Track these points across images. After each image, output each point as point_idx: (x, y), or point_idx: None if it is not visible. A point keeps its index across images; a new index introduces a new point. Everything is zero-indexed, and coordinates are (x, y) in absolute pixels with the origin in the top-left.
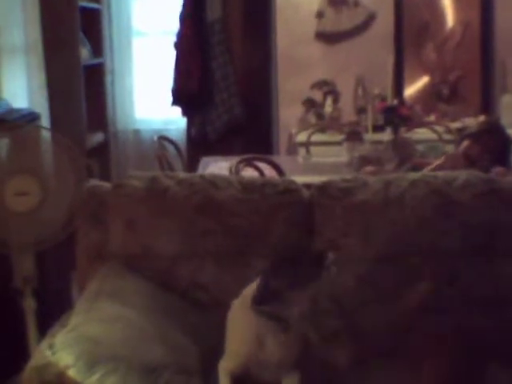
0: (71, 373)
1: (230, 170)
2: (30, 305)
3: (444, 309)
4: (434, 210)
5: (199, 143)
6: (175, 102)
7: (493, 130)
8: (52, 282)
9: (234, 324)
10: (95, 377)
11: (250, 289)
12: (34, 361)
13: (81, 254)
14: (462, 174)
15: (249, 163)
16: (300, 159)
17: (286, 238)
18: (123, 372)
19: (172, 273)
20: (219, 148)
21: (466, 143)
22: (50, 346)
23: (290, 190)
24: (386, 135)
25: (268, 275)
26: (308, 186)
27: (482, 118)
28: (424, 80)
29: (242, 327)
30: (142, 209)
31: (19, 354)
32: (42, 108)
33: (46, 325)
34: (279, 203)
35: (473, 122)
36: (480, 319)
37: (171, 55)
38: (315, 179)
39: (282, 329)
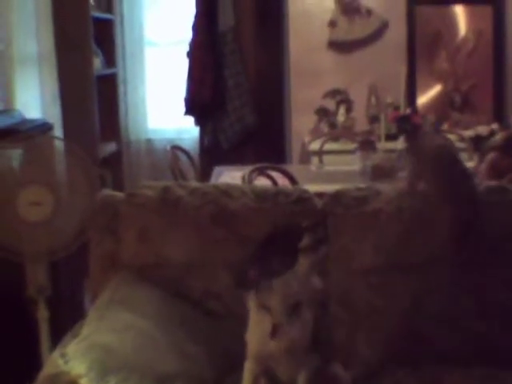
0: (83, 382)
1: (243, 179)
2: (43, 314)
3: (458, 319)
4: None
5: (212, 152)
6: (188, 111)
7: None
8: (65, 291)
9: (249, 324)
10: None
11: None
12: (47, 370)
13: (94, 264)
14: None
15: (261, 172)
16: (313, 168)
17: None
18: (135, 381)
19: (185, 282)
20: (232, 157)
21: (492, 155)
22: (63, 355)
23: (303, 198)
24: (399, 144)
25: (245, 264)
26: (321, 194)
27: (495, 126)
28: (437, 89)
29: (252, 325)
30: (154, 218)
31: (32, 362)
32: (54, 118)
33: (58, 334)
34: (292, 212)
35: (485, 130)
36: (496, 329)
37: (183, 65)
38: (328, 188)
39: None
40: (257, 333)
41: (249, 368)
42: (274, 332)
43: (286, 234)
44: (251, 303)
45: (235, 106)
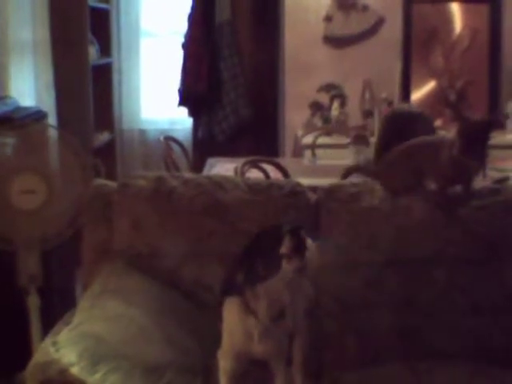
0: (74, 370)
1: (236, 172)
2: (34, 302)
3: (449, 315)
4: (439, 219)
5: (205, 144)
6: (182, 102)
7: (413, 115)
8: (57, 280)
9: (225, 321)
10: (98, 375)
11: None
12: (37, 358)
13: (86, 253)
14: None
15: (254, 165)
16: (305, 162)
17: None
18: (126, 370)
19: (177, 273)
20: (225, 149)
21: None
22: (54, 344)
23: (296, 192)
24: None
25: (232, 268)
26: (313, 188)
27: None
28: (431, 85)
29: (232, 325)
30: (147, 208)
31: (23, 351)
32: (49, 107)
33: (50, 322)
34: (285, 205)
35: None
36: (488, 325)
37: (178, 56)
38: (320, 182)
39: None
40: (239, 333)
41: (227, 368)
42: (262, 336)
43: (267, 238)
44: (232, 303)
45: (230, 99)
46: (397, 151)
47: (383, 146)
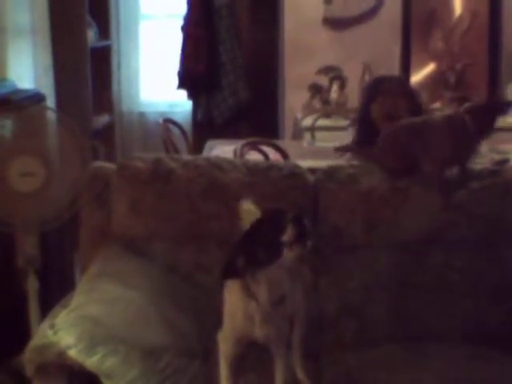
0: (72, 353)
1: (235, 153)
2: (32, 285)
3: (446, 296)
4: (437, 200)
5: (205, 126)
6: (181, 85)
7: (386, 78)
8: (55, 262)
9: (226, 303)
10: (96, 357)
11: None
12: (36, 340)
13: (84, 235)
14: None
15: (253, 147)
16: (304, 144)
17: None
18: (124, 353)
19: (176, 255)
20: (225, 132)
21: (375, 107)
22: (52, 326)
23: (295, 173)
24: None
25: (234, 252)
26: (312, 170)
27: None
28: (431, 67)
29: (233, 307)
30: (146, 190)
31: (22, 333)
32: (47, 89)
33: (48, 305)
34: (284, 187)
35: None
36: (486, 307)
37: (178, 38)
38: (319, 164)
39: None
40: (240, 316)
41: (227, 351)
42: (263, 320)
43: (269, 225)
44: (233, 286)
45: (229, 81)
46: (386, 134)
47: (362, 111)
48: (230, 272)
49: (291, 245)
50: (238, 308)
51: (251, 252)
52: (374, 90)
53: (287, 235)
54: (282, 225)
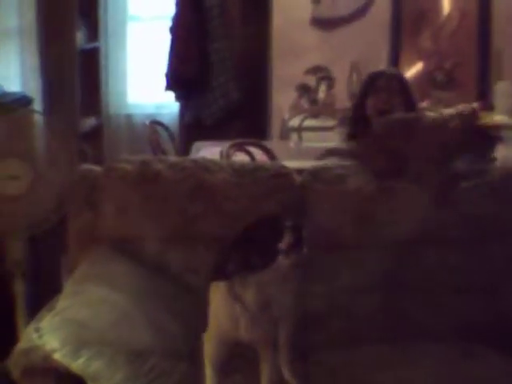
0: (57, 356)
1: (221, 155)
2: (19, 288)
3: (435, 295)
4: (426, 200)
5: (192, 128)
6: (169, 86)
7: (383, 73)
8: (43, 265)
9: (211, 304)
10: (81, 360)
11: None
12: (21, 344)
13: (72, 238)
14: None
15: (240, 148)
16: (291, 144)
17: None
18: (109, 356)
19: (163, 257)
20: (213, 133)
21: (370, 102)
22: (37, 330)
23: (282, 174)
24: None
25: (225, 255)
26: (299, 171)
27: (476, 104)
28: (419, 66)
29: (220, 309)
30: (133, 192)
31: (9, 337)
32: (35, 92)
33: (36, 309)
34: (271, 187)
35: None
36: (477, 305)
37: (165, 40)
38: (306, 164)
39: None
40: (224, 318)
41: (213, 352)
42: (249, 323)
43: (266, 231)
44: (218, 287)
45: (220, 82)
46: (374, 132)
47: (357, 105)
48: (218, 274)
49: (287, 252)
50: (221, 310)
51: (245, 257)
52: (371, 86)
53: (284, 243)
54: (279, 232)
